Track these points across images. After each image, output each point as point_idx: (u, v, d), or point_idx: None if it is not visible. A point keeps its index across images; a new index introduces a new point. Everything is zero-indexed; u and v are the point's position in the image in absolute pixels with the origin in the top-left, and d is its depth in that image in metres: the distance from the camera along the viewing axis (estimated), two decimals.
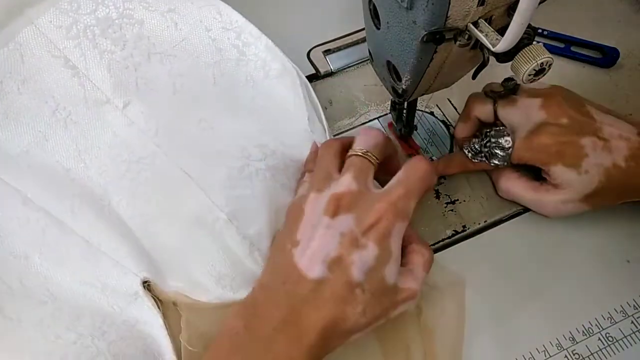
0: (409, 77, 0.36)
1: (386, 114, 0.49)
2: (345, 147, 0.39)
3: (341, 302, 0.33)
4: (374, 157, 0.37)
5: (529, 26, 0.28)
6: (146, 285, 0.40)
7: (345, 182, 0.36)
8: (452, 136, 0.48)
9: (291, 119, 0.45)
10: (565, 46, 0.52)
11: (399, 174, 0.36)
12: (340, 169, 0.38)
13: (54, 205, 0.40)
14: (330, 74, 0.52)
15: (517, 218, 0.44)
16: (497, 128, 0.42)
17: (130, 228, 0.41)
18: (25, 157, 0.42)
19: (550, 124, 0.39)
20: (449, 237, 0.43)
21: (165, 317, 0.39)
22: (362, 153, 0.37)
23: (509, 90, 0.41)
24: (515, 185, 0.43)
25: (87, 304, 0.39)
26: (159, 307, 0.39)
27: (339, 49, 0.53)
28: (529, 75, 0.30)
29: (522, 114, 0.41)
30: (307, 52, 0.53)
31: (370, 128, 0.40)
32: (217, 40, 0.46)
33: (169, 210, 0.41)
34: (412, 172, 0.36)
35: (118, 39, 0.44)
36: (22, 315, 0.37)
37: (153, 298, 0.39)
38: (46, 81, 0.43)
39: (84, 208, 0.41)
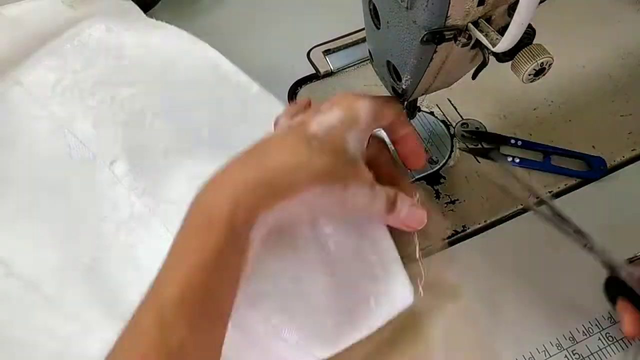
0: (409, 77, 0.36)
1: None
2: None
3: (298, 145, 0.32)
4: None
5: (529, 26, 0.28)
6: None
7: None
8: (452, 136, 0.48)
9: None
10: (545, 159, 0.46)
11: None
12: None
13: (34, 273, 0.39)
14: (330, 74, 0.52)
15: (517, 218, 0.44)
16: None
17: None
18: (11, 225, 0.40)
19: None
20: (449, 237, 0.43)
21: None
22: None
23: None
24: None
25: None
26: None
27: (339, 49, 0.53)
28: (529, 75, 0.30)
29: None
30: (307, 52, 0.53)
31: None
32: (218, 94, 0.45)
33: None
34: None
35: (106, 96, 0.43)
36: None
37: None
38: (31, 140, 0.42)
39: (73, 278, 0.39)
